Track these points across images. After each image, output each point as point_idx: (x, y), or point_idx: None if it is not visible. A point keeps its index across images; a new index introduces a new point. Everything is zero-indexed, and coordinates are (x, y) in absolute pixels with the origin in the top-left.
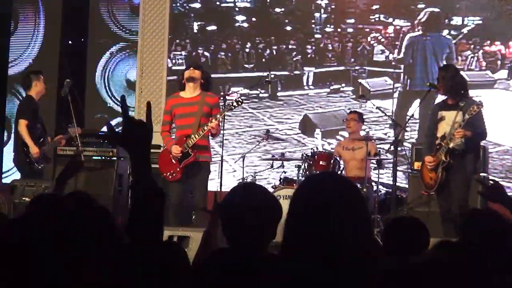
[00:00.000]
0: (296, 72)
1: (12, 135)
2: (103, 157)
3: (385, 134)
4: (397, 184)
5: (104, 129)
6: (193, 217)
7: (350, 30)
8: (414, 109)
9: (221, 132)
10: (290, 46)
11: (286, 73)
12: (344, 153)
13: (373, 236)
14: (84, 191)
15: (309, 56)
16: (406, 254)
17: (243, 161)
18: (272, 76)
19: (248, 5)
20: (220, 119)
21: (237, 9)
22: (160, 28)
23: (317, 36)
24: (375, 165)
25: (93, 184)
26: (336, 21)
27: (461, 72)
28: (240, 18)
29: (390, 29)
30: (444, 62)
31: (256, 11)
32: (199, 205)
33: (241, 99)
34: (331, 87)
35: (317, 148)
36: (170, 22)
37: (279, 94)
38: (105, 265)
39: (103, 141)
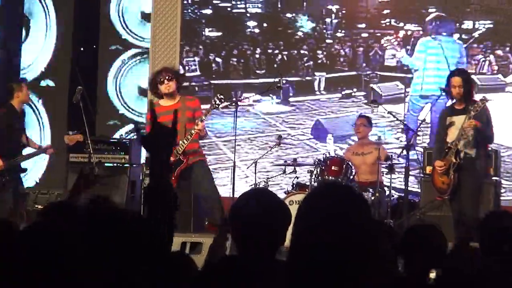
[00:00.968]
0: (308, 77)
1: None
2: (116, 164)
3: (397, 138)
4: (409, 188)
5: (117, 135)
6: (206, 223)
7: (361, 35)
8: (426, 113)
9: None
10: (301, 52)
11: (298, 78)
12: (354, 158)
13: (386, 246)
14: (104, 196)
15: (320, 61)
16: (426, 262)
17: (255, 166)
18: (284, 81)
19: (259, 10)
20: (205, 120)
21: (248, 14)
22: (171, 34)
23: (328, 41)
24: (386, 170)
25: (105, 190)
26: (347, 26)
27: (472, 76)
28: (251, 23)
29: (401, 34)
30: (455, 67)
31: (267, 17)
32: (214, 197)
33: (222, 97)
34: (343, 92)
35: (329, 153)
36: (182, 28)
37: (291, 99)
38: (122, 271)
39: (116, 147)
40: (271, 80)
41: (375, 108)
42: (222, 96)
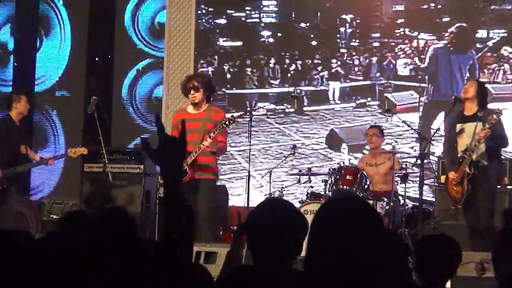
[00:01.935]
0: (322, 86)
1: None
2: (130, 174)
3: (412, 148)
4: (424, 197)
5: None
6: (221, 232)
7: (375, 44)
8: (440, 122)
9: (217, 149)
10: (315, 61)
11: (312, 88)
12: (367, 168)
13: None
14: (119, 207)
15: (334, 70)
16: (440, 273)
17: (270, 176)
18: (298, 91)
19: (273, 20)
20: (212, 136)
21: (262, 24)
22: (186, 44)
23: (342, 50)
24: (400, 180)
25: (120, 200)
26: (361, 36)
27: (487, 85)
28: (265, 33)
29: (415, 43)
30: (468, 75)
31: (281, 26)
32: (202, 223)
33: (233, 117)
34: (357, 102)
35: (343, 163)
36: (196, 38)
37: (305, 108)
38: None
39: (131, 157)
40: (286, 89)
41: (390, 117)
42: (232, 118)
